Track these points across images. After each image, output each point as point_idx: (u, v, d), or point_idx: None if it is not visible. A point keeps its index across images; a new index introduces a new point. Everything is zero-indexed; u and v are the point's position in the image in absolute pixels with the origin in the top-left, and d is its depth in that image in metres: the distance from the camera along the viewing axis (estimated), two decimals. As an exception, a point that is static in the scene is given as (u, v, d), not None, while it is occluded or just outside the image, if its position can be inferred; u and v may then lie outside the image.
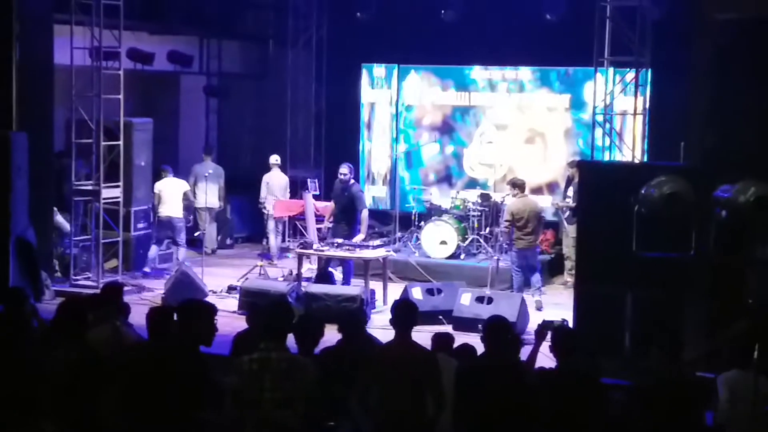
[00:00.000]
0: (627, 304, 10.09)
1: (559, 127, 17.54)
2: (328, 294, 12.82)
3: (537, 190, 17.07)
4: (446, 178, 18.28)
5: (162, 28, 17.71)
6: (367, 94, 18.89)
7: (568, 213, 15.23)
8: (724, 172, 9.75)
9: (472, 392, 6.86)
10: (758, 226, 9.56)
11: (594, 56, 14.00)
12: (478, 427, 6.86)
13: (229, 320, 11.22)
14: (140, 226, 15.79)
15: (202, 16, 18.49)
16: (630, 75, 14.01)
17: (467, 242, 15.95)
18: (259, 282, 14.00)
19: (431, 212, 16.60)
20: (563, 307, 12.70)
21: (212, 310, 6.63)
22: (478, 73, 17.98)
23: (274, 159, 17.31)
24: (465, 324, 12.22)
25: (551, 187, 17.42)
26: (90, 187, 14.59)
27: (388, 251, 14.54)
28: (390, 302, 12.95)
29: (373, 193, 18.67)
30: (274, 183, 17.18)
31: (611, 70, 14.32)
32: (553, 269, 16.02)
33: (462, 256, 15.79)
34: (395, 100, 18.57)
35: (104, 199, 14.55)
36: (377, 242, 14.86)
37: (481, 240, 16.04)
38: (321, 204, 16.23)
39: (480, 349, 7.32)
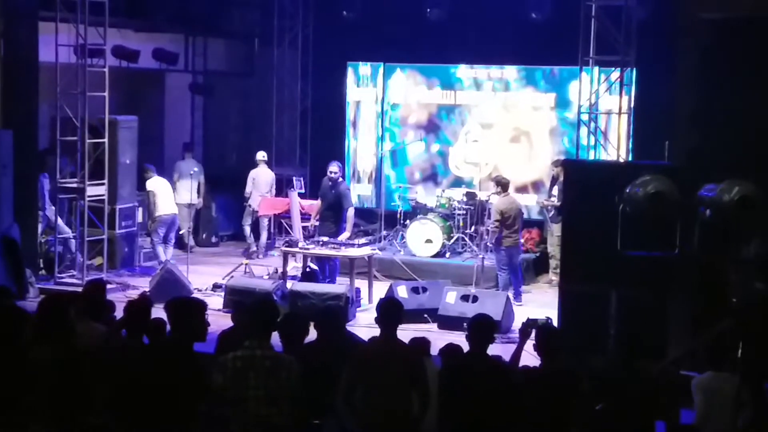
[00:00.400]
0: (611, 302, 10.10)
1: (544, 126, 17.56)
2: (314, 292, 12.79)
3: (522, 189, 17.11)
4: (432, 177, 18.28)
5: (147, 25, 17.67)
6: (352, 92, 18.86)
7: (553, 212, 15.24)
8: (709, 171, 9.77)
9: (457, 391, 6.88)
10: (742, 226, 9.57)
11: (579, 55, 14.02)
12: (463, 426, 6.87)
13: (215, 318, 11.06)
14: (125, 224, 15.74)
15: (188, 14, 18.45)
16: (615, 74, 14.04)
17: (452, 241, 15.97)
18: (245, 280, 13.98)
19: (417, 211, 16.60)
20: (548, 305, 12.72)
21: (203, 305, 6.63)
22: (463, 71, 17.98)
23: (261, 155, 17.31)
24: (450, 322, 12.25)
25: (536, 186, 17.43)
26: (75, 185, 14.56)
27: (374, 249, 14.58)
28: (375, 301, 12.82)
29: (359, 192, 18.65)
30: (260, 179, 17.18)
31: (596, 69, 14.31)
32: (538, 268, 16.06)
33: (447, 255, 15.81)
34: (381, 99, 18.55)
35: (89, 196, 14.54)
36: (363, 240, 14.88)
37: (467, 238, 16.06)
38: (306, 202, 16.22)
39: (465, 347, 7.33)
